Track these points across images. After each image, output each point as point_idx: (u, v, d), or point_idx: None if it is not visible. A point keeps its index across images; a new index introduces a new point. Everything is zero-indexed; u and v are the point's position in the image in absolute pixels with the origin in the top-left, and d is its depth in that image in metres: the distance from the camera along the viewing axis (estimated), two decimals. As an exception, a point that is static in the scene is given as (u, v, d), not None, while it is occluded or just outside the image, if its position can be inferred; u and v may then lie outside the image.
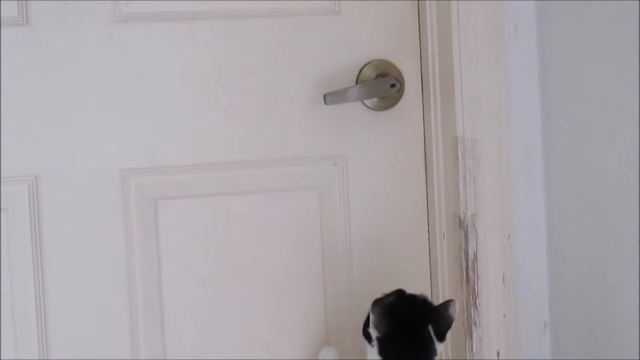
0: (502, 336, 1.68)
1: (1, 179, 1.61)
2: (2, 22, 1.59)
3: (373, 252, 1.79)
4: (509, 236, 1.67)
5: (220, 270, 1.73)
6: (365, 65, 1.66)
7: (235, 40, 1.67)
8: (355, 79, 1.65)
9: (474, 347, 1.69)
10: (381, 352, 1.51)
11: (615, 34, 1.52)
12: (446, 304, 1.51)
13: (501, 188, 1.68)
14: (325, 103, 1.60)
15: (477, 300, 1.68)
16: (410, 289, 1.63)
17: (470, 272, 1.69)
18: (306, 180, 1.74)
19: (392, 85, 1.65)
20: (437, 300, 1.79)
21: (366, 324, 1.52)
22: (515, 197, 1.71)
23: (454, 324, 1.64)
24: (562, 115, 1.68)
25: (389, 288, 1.63)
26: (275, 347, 1.79)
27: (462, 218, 1.69)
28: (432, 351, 1.46)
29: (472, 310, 1.68)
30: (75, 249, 1.66)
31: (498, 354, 1.65)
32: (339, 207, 1.74)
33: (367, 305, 1.57)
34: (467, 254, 1.69)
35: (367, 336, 1.51)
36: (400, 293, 1.54)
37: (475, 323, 1.68)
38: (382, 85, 1.65)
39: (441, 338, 1.48)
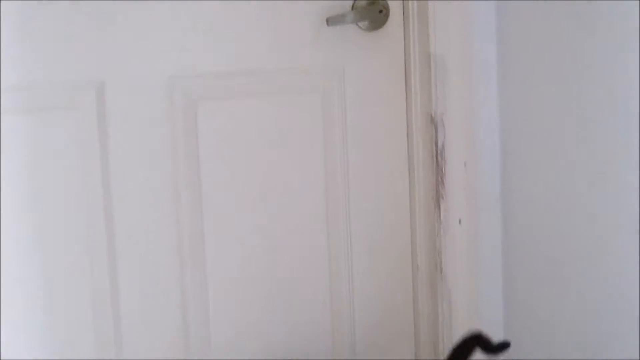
0: (462, 207, 1.80)
1: (75, 86, 1.76)
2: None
3: (362, 142, 1.93)
4: (469, 130, 1.78)
5: (244, 163, 1.88)
6: None
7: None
8: (351, 6, 1.81)
9: (441, 216, 1.87)
10: None
11: (567, 35, 1.62)
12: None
13: (465, 92, 1.77)
14: (328, 25, 1.77)
15: (443, 179, 1.84)
16: (390, 170, 1.92)
17: (439, 158, 1.84)
18: (312, 86, 1.91)
19: (380, 11, 1.81)
20: (413, 182, 1.96)
21: None
22: (475, 100, 1.79)
23: (425, 199, 1.89)
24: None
25: (374, 172, 1.92)
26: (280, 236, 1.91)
27: (433, 116, 1.86)
28: None
29: (439, 187, 1.86)
30: (133, 142, 1.81)
31: (460, 221, 1.80)
32: (337, 107, 1.91)
33: (363, 196, 1.90)
34: (437, 144, 1.84)
35: None
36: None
37: (442, 197, 1.85)
38: (372, 11, 1.80)
39: None
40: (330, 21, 1.78)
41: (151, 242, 1.86)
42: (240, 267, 1.92)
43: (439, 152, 1.88)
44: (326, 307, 1.99)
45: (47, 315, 1.85)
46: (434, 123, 1.89)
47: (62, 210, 1.83)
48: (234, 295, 1.93)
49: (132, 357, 1.88)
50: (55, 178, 1.81)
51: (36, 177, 1.79)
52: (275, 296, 1.95)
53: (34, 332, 1.86)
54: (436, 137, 1.88)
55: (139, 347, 1.89)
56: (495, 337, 1.71)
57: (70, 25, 1.75)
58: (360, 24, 1.83)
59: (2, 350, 1.83)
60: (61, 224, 1.82)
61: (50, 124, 1.78)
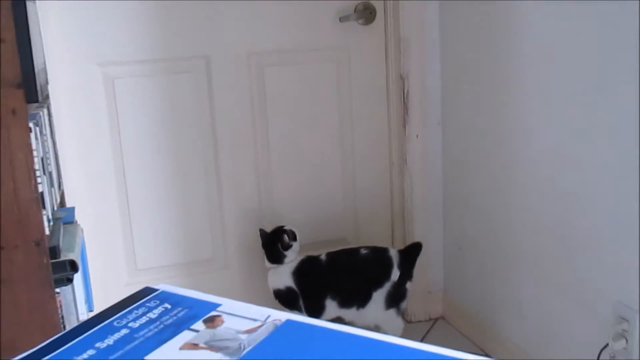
0: (418, 127, 2.14)
1: (193, 58, 2.02)
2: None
3: (361, 90, 2.17)
4: (422, 83, 2.09)
5: (290, 101, 2.12)
6: (358, 4, 2.08)
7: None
8: (353, 10, 2.08)
9: (406, 132, 2.15)
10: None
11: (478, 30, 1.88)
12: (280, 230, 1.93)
13: (420, 60, 2.09)
14: (340, 21, 2.07)
15: (408, 111, 2.14)
16: (376, 106, 2.16)
17: (405, 99, 2.13)
18: (333, 58, 2.15)
19: (370, 13, 2.08)
20: (390, 113, 2.15)
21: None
22: (426, 65, 2.08)
23: (397, 123, 2.12)
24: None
25: (368, 107, 2.15)
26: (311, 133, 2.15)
27: (402, 75, 2.12)
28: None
29: (405, 116, 2.15)
30: (226, 91, 2.01)
31: (417, 135, 2.15)
32: (346, 70, 2.16)
33: (362, 122, 2.13)
34: (404, 90, 2.13)
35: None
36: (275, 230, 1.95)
37: (407, 122, 2.15)
38: (366, 12, 2.09)
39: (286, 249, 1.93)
40: (341, 19, 2.07)
41: (238, 144, 2.10)
42: (289, 155, 2.16)
43: (405, 95, 2.13)
44: (338, 180, 2.23)
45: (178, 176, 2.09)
46: (402, 78, 2.12)
47: (188, 129, 2.05)
48: (284, 157, 2.16)
49: (228, 199, 2.14)
50: (182, 110, 2.04)
51: (171, 110, 2.03)
52: (309, 171, 2.19)
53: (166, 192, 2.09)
54: (404, 86, 2.12)
55: (230, 194, 2.13)
56: (435, 198, 2.09)
57: (190, 24, 1.99)
58: (359, 21, 2.08)
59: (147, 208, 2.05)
60: (187, 136, 2.07)
61: (178, 81, 2.02)
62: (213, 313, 0.51)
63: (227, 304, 0.52)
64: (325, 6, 2.08)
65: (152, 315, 0.51)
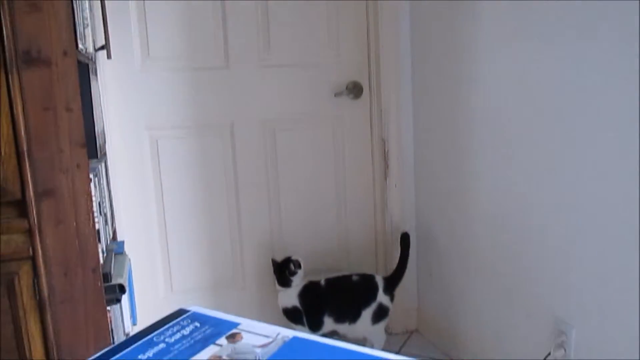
0: (396, 178, 2.07)
1: (220, 124, 1.97)
2: (217, 67, 1.93)
3: (352, 148, 2.12)
4: (399, 144, 2.04)
5: (296, 155, 2.06)
6: (349, 83, 2.05)
7: (302, 75, 2.01)
8: (345, 87, 2.05)
9: (387, 183, 2.08)
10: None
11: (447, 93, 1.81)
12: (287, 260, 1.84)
13: (396, 127, 2.04)
14: (334, 96, 2.04)
15: (388, 166, 2.08)
16: (364, 162, 2.07)
17: (386, 156, 2.07)
18: (329, 124, 2.10)
19: (358, 90, 2.05)
20: (374, 167, 2.07)
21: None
22: (401, 130, 2.02)
23: (379, 175, 2.06)
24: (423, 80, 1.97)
25: (357, 163, 2.07)
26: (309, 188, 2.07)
27: (383, 138, 2.07)
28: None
29: (386, 170, 2.08)
30: (246, 148, 1.96)
31: (395, 185, 2.07)
32: (340, 134, 2.11)
33: (352, 174, 2.04)
34: (385, 150, 2.07)
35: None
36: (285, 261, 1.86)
37: (387, 174, 2.09)
38: (354, 90, 2.05)
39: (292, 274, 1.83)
40: (336, 95, 2.05)
41: (255, 191, 2.01)
42: (295, 200, 2.10)
43: (386, 154, 2.08)
44: (334, 220, 2.15)
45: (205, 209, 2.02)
46: (383, 141, 2.08)
47: (216, 178, 1.96)
48: (291, 201, 2.09)
49: (246, 235, 2.05)
50: (211, 164, 1.98)
51: (203, 164, 1.93)
52: (311, 213, 2.12)
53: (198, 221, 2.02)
54: (384, 147, 2.08)
55: (248, 230, 2.04)
56: (410, 235, 1.98)
57: (218, 98, 1.94)
58: (349, 96, 2.06)
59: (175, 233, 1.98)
60: (215, 184, 1.97)
61: (209, 142, 1.98)
62: (234, 330, 0.50)
63: (245, 323, 0.51)
64: (323, 84, 2.06)
65: (185, 332, 0.50)
